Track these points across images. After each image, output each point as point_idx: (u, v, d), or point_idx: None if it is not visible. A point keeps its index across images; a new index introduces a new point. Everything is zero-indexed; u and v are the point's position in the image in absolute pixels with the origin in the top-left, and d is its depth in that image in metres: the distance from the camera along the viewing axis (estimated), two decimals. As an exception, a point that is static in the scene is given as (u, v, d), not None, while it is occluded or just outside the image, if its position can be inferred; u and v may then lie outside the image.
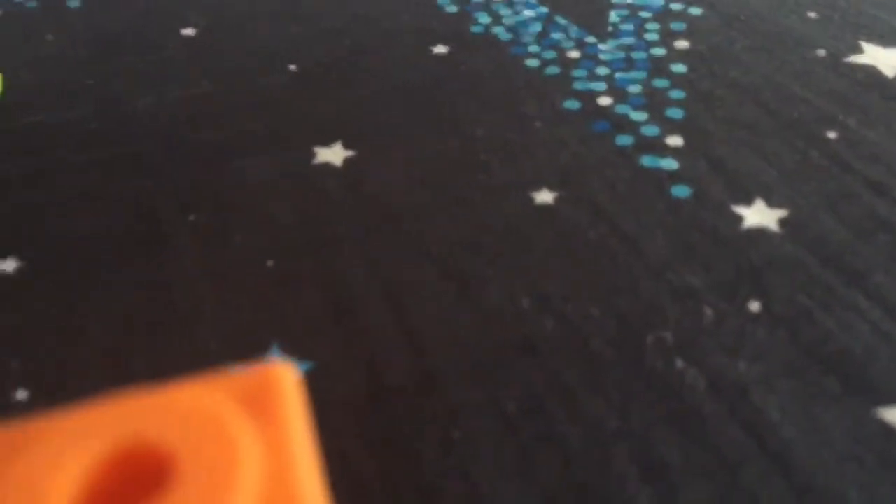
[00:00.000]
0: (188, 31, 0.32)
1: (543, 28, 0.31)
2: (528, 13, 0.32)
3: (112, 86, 0.29)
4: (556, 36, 0.30)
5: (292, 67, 0.29)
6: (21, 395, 0.18)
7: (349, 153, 0.25)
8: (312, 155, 0.25)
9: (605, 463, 0.16)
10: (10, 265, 0.21)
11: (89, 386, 0.18)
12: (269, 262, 0.21)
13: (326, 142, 0.25)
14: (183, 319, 0.19)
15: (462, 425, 0.16)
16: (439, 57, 0.30)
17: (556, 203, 0.22)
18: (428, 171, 0.24)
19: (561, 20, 0.31)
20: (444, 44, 0.30)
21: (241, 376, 0.09)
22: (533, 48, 0.30)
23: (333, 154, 0.25)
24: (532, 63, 0.29)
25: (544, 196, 0.23)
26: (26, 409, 0.17)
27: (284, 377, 0.09)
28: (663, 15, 0.32)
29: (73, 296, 0.20)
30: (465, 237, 0.21)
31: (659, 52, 0.29)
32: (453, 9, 0.33)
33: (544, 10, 0.32)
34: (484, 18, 0.32)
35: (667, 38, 0.30)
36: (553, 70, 0.28)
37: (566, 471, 0.15)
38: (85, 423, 0.08)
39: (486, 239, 0.21)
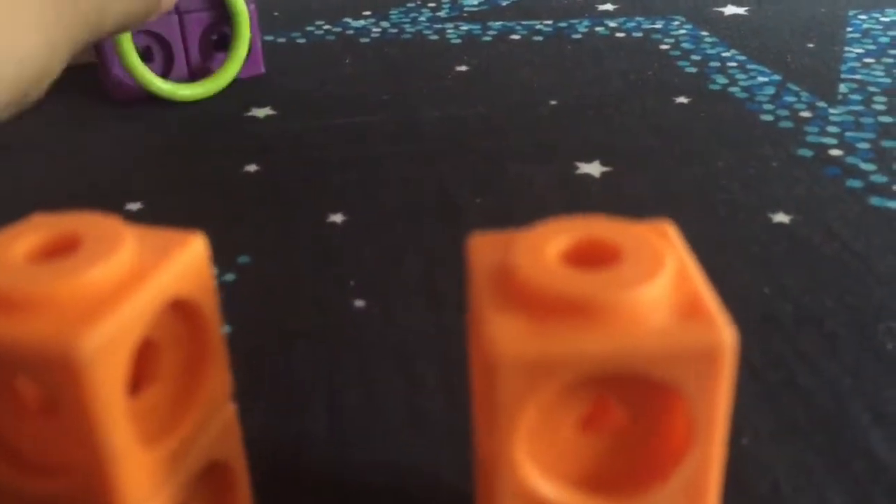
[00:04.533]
0: (462, 68, 0.38)
1: (776, 91, 0.35)
2: (762, 79, 0.36)
3: (403, 101, 0.35)
4: (789, 98, 0.34)
5: (552, 101, 0.35)
6: (359, 303, 0.23)
7: (606, 168, 0.29)
8: (575, 167, 0.30)
9: (841, 409, 0.19)
10: (338, 218, 0.27)
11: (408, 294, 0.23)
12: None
13: (586, 158, 0.30)
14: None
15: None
16: (681, 105, 0.34)
17: (792, 224, 0.26)
18: (674, 189, 0.28)
19: (793, 86, 0.35)
20: (686, 96, 0.35)
21: (645, 224, 0.13)
22: (767, 106, 0.33)
23: (592, 168, 0.29)
24: (766, 118, 0.33)
25: (780, 217, 0.26)
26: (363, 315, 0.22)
27: (672, 229, 0.13)
28: (891, 90, 0.35)
29: (389, 239, 0.25)
30: (710, 240, 0.25)
31: (887, 119, 0.32)
32: (692, 69, 0.37)
33: (777, 77, 0.36)
34: (721, 79, 0.36)
35: (894, 111, 0.33)
36: (787, 124, 0.32)
37: (807, 409, 0.19)
38: (564, 224, 0.13)
39: (727, 243, 0.25)
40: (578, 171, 0.29)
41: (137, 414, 0.12)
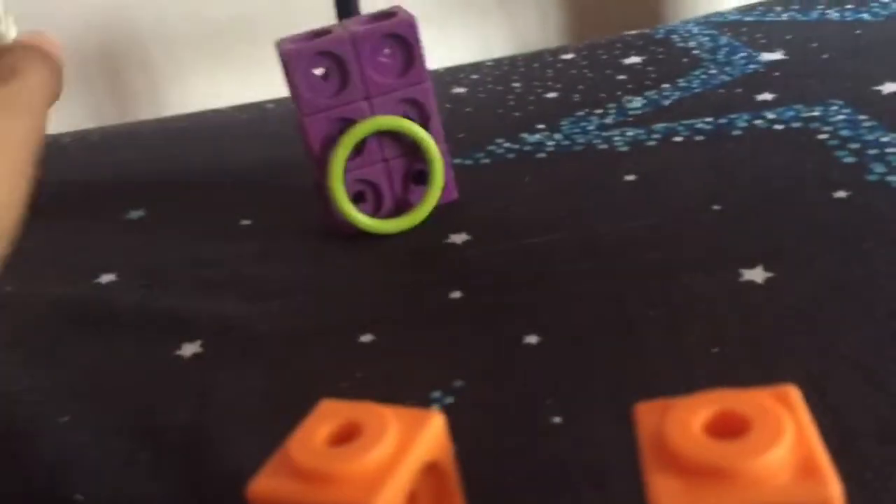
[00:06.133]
0: (630, 177, 0.43)
1: (936, 177, 0.36)
2: (921, 164, 0.38)
3: (580, 216, 0.40)
4: (949, 184, 0.36)
5: (715, 206, 0.38)
6: (556, 419, 0.27)
7: (769, 274, 0.33)
8: (739, 275, 0.33)
9: None
10: (533, 339, 0.32)
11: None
12: (714, 350, 0.29)
13: (749, 265, 0.33)
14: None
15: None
16: (840, 201, 0.36)
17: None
18: (831, 296, 0.31)
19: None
20: (844, 189, 0.37)
21: (772, 390, 0.17)
22: (926, 194, 0.35)
23: (756, 275, 0.33)
24: (926, 207, 0.35)
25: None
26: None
27: (795, 394, 0.17)
28: None
29: (579, 356, 0.30)
30: (867, 340, 0.28)
31: None
32: (851, 159, 0.39)
33: (938, 161, 0.38)
34: (879, 168, 0.38)
35: None
36: (946, 214, 0.34)
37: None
38: (704, 397, 0.17)
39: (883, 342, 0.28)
40: (743, 279, 0.33)
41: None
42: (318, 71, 0.41)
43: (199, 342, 0.35)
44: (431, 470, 0.19)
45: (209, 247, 0.43)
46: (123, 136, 0.64)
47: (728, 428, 0.16)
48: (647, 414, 0.17)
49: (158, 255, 0.43)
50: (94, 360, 0.35)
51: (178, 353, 0.34)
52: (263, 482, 0.18)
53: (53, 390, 0.33)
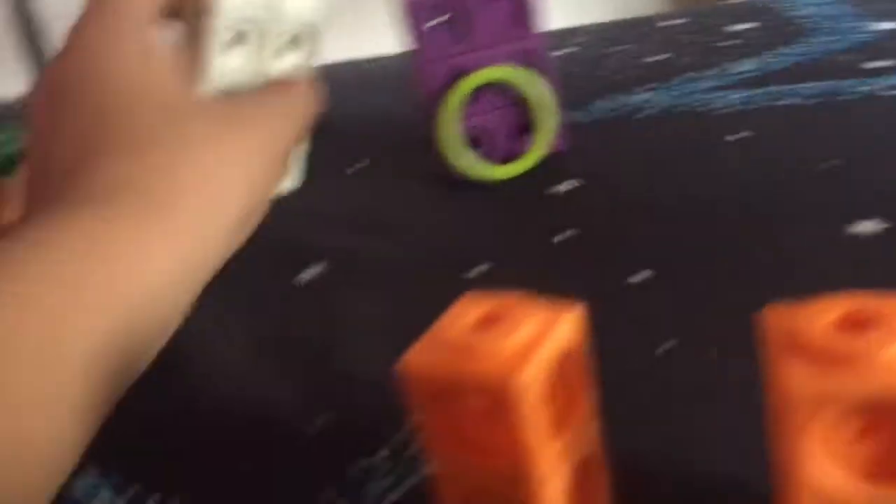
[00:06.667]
0: (737, 136, 0.43)
1: None
2: None
3: (685, 172, 0.41)
4: None
5: (832, 162, 0.38)
6: (667, 346, 0.29)
7: (885, 225, 0.33)
8: (854, 226, 0.33)
9: None
10: (647, 274, 0.33)
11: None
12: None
13: (866, 216, 0.34)
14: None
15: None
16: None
17: None
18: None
19: None
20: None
21: None
22: None
23: (870, 226, 0.33)
24: None
25: None
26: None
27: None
28: None
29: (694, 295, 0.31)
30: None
31: None
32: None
33: None
34: None
35: None
36: None
37: None
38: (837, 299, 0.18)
39: None
40: (857, 230, 0.33)
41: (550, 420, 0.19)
42: (437, 20, 0.42)
43: (321, 265, 0.37)
44: (566, 360, 0.20)
45: (324, 184, 0.45)
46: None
47: (859, 325, 0.17)
48: (777, 315, 0.19)
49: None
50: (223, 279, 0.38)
51: (301, 277, 0.37)
52: (415, 356, 0.19)
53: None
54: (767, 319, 0.19)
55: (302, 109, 0.33)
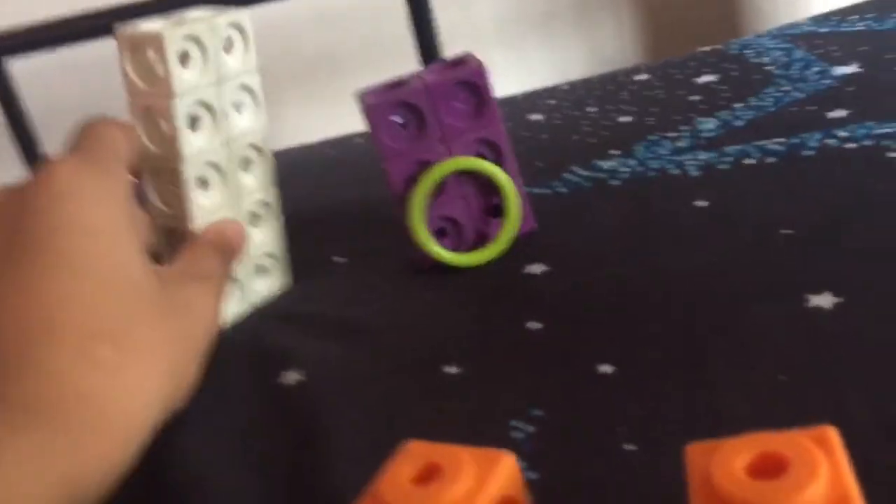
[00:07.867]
0: (701, 203, 0.44)
1: None
2: None
3: (652, 245, 0.41)
4: None
5: (784, 231, 0.39)
6: (628, 447, 0.29)
7: (838, 300, 0.34)
8: (807, 301, 0.34)
9: None
10: (608, 368, 0.34)
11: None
12: (782, 378, 0.30)
13: (817, 290, 0.34)
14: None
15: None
16: (911, 221, 0.37)
17: None
18: (902, 317, 0.32)
19: None
20: (916, 210, 0.38)
21: (808, 431, 0.19)
22: None
23: (823, 300, 0.34)
24: None
25: None
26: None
27: (833, 436, 0.19)
28: None
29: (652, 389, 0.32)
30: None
31: None
32: (924, 178, 0.40)
33: None
34: (953, 186, 0.38)
35: None
36: None
37: None
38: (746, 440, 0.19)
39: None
40: (810, 305, 0.34)
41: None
42: (397, 119, 0.44)
43: (301, 372, 0.38)
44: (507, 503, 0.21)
45: (302, 286, 0.46)
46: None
47: (769, 468, 0.18)
48: (696, 455, 0.19)
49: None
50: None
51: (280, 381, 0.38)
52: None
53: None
54: (689, 461, 0.19)
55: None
